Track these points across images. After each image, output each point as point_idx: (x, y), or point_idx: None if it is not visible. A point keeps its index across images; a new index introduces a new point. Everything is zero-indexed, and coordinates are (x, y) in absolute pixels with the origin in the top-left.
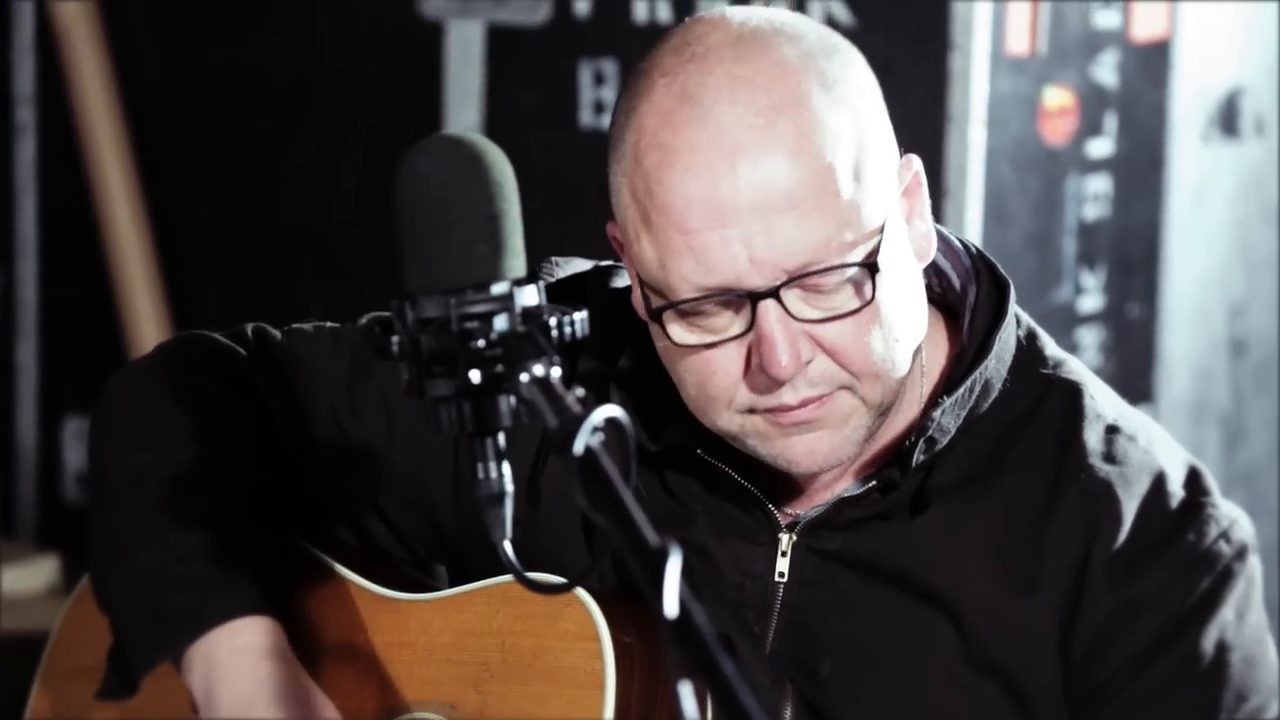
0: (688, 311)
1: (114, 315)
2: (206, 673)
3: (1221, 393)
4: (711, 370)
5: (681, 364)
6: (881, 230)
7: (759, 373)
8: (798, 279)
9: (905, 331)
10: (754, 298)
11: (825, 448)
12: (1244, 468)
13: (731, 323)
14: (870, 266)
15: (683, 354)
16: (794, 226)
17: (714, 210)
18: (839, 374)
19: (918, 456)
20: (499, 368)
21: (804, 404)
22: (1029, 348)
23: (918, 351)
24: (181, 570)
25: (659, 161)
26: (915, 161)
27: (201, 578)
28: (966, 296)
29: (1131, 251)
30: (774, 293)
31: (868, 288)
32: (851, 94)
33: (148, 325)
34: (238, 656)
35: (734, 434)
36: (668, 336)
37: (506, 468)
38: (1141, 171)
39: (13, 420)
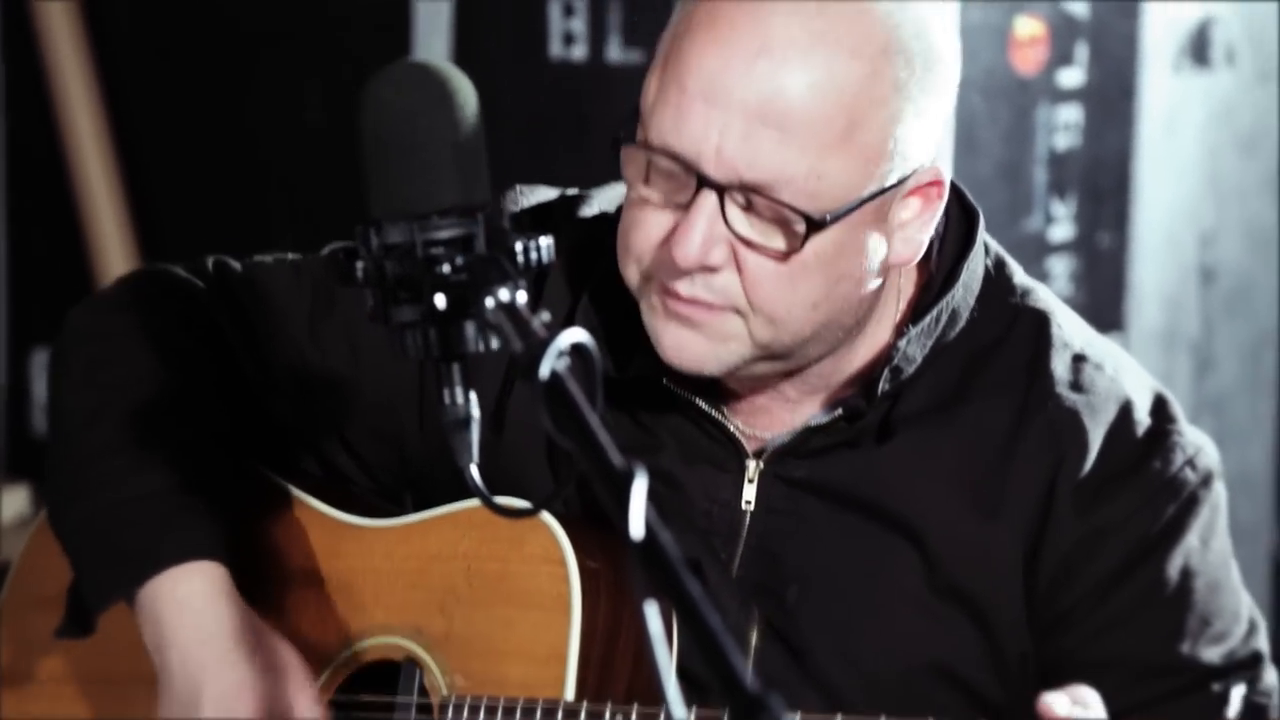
0: (653, 165)
1: (81, 247)
2: (153, 627)
3: (1191, 321)
4: (638, 224)
5: (627, 210)
6: (852, 206)
7: (668, 249)
8: (748, 191)
9: (826, 308)
10: (701, 182)
11: (693, 352)
12: (1213, 395)
13: (676, 193)
14: (814, 222)
15: (631, 202)
16: (772, 145)
17: (713, 87)
18: (739, 297)
19: (883, 385)
20: (464, 293)
21: (692, 301)
22: (997, 276)
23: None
24: (135, 510)
25: (702, 21)
26: (942, 175)
27: (155, 518)
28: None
29: (1102, 181)
30: (720, 189)
31: (799, 239)
32: (910, 82)
33: (115, 257)
34: (180, 610)
35: (634, 291)
36: (619, 161)
37: (472, 393)
38: (1112, 101)
39: None
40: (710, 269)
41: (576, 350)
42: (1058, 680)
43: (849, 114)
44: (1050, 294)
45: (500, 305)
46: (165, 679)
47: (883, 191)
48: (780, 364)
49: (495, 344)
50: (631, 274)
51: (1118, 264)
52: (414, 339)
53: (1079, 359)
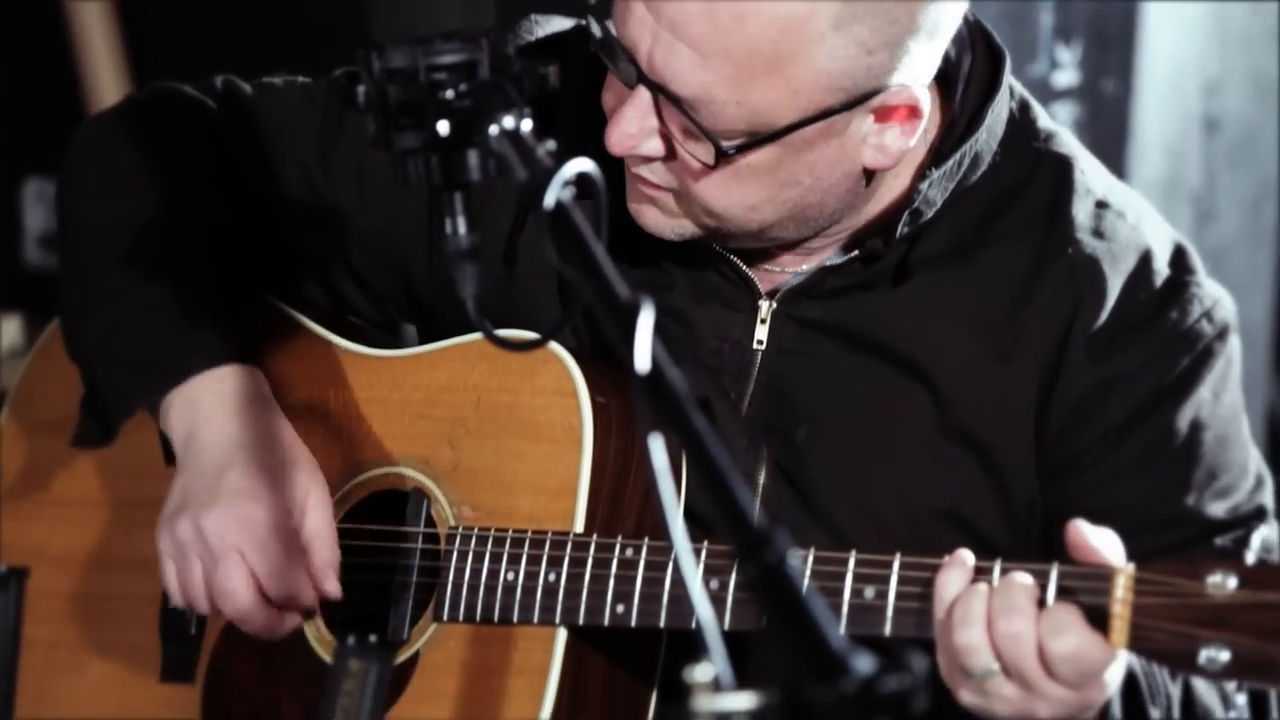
0: (619, 40)
1: (74, 75)
2: (188, 416)
3: (1193, 171)
4: (606, 88)
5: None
6: (775, 133)
7: (606, 133)
8: (672, 100)
9: (772, 210)
10: (639, 76)
11: (650, 219)
12: (1215, 246)
13: (626, 77)
14: (721, 151)
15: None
16: (692, 65)
17: None
18: (675, 184)
19: (902, 228)
20: (468, 119)
21: (637, 177)
22: (1021, 120)
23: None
24: (159, 317)
25: None
26: (918, 101)
27: (181, 325)
28: (960, 65)
29: (1108, 27)
30: (653, 87)
31: (714, 159)
32: (858, 16)
33: (108, 86)
34: (221, 399)
35: None
36: (595, 47)
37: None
38: None
39: None
40: (644, 158)
41: (583, 178)
42: (1063, 527)
43: (776, 47)
44: (1074, 139)
45: (504, 132)
46: (192, 459)
47: (821, 116)
48: (751, 240)
49: (498, 173)
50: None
51: (1121, 112)
52: (416, 166)
53: (1101, 205)
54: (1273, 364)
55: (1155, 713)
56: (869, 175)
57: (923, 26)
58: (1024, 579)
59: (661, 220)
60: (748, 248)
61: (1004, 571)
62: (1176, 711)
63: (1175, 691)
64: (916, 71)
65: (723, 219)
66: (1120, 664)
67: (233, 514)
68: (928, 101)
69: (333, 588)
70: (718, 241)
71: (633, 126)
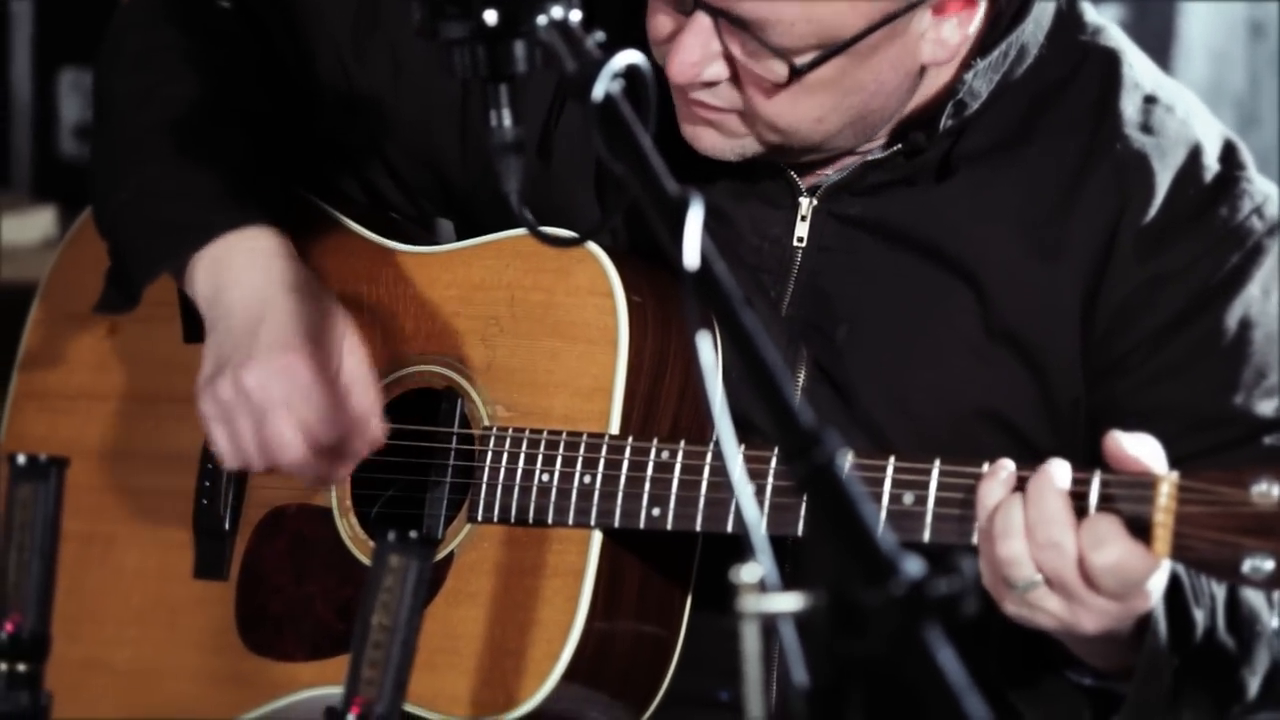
0: None
1: None
2: (215, 274)
3: (1238, 76)
4: (653, 22)
5: (649, 11)
6: (844, 44)
7: (667, 66)
8: (736, 23)
9: (837, 119)
10: (697, 3)
11: (709, 142)
12: (1258, 151)
13: (686, 6)
14: (795, 69)
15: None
16: None
17: None
18: (741, 105)
19: (945, 121)
20: (515, 9)
21: (697, 102)
22: (1068, 13)
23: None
24: (190, 182)
25: None
26: None
27: (211, 190)
28: None
29: None
30: (713, 11)
31: (785, 78)
32: None
33: None
34: (251, 256)
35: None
36: None
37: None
38: None
39: (8, 73)
40: (707, 84)
41: (631, 73)
42: (1108, 428)
43: None
44: (1121, 33)
45: (553, 23)
46: (222, 317)
47: (887, 21)
48: (816, 153)
49: (546, 64)
50: (657, 55)
51: (1166, 15)
52: (461, 56)
53: (1149, 100)
54: None
55: (1199, 614)
56: (922, 71)
57: None
58: (1059, 485)
59: (721, 142)
60: (803, 161)
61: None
62: (1221, 613)
63: (1220, 593)
64: None
65: (788, 134)
66: (1163, 572)
67: (272, 366)
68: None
69: (378, 429)
70: (777, 157)
71: (694, 54)
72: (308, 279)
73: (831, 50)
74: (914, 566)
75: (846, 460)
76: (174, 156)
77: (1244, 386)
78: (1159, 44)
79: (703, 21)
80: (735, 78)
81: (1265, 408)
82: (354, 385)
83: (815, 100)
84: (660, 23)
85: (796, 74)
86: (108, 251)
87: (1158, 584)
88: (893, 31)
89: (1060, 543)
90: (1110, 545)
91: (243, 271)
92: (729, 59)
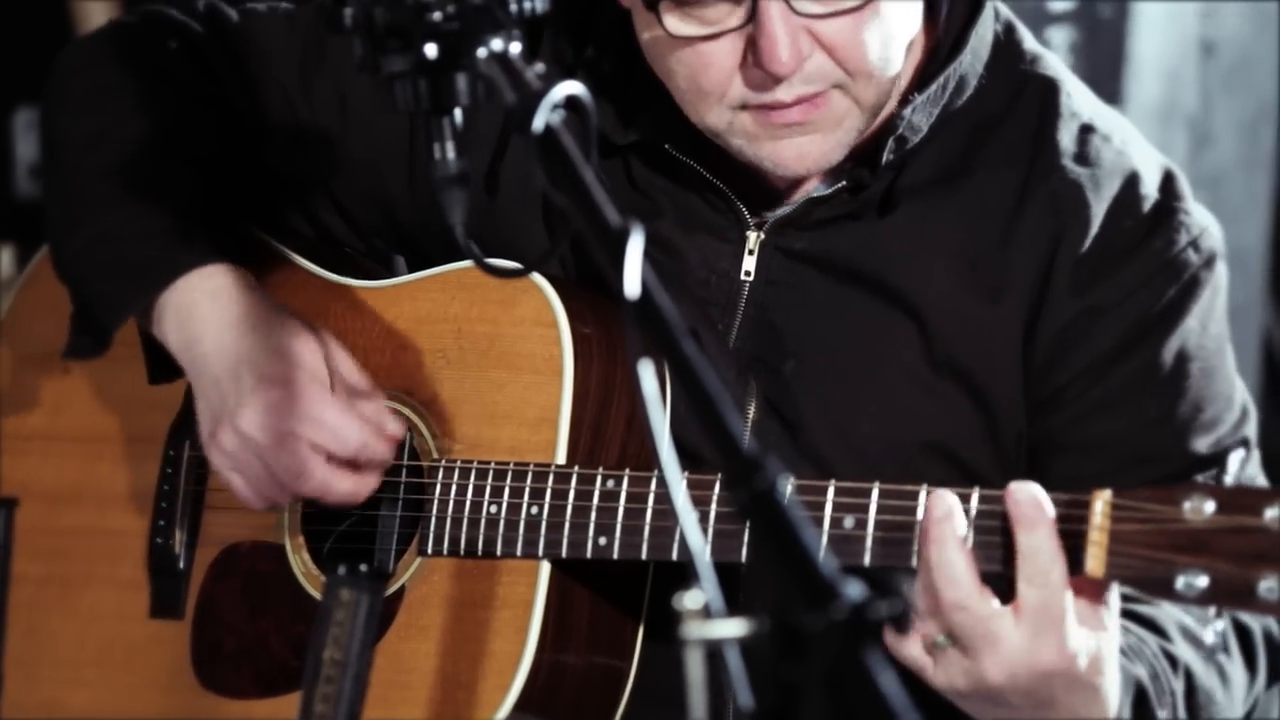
0: (686, 0)
1: (64, 4)
2: (183, 324)
3: (1190, 95)
4: (706, 63)
5: (673, 56)
6: None
7: (755, 68)
8: None
9: (902, 28)
10: None
11: (816, 151)
12: (1210, 171)
13: (730, 14)
14: None
15: (675, 46)
16: None
17: None
18: (834, 71)
19: (887, 156)
20: (456, 42)
21: (798, 102)
22: (1007, 42)
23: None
24: (147, 224)
25: None
26: None
27: (168, 231)
28: None
29: None
30: None
31: None
32: None
33: (97, 14)
34: (213, 300)
35: (721, 131)
36: (662, 26)
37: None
38: None
39: None
40: (804, 57)
41: (571, 103)
42: (1045, 460)
43: None
44: (1059, 62)
45: (493, 55)
46: (203, 371)
47: None
48: (875, 117)
49: (487, 97)
50: (715, 117)
51: (1117, 35)
52: (404, 90)
53: (1086, 130)
54: (1268, 289)
55: (1163, 714)
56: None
57: None
58: (955, 535)
59: (826, 145)
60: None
61: (981, 499)
62: (1181, 708)
63: (1179, 686)
64: None
65: (878, 77)
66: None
67: (264, 403)
68: None
69: (395, 426)
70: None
71: (785, 37)
72: (272, 308)
73: None
74: (854, 590)
75: (788, 485)
76: (128, 200)
77: (1180, 420)
78: (1110, 64)
79: (773, 8)
80: (817, 44)
81: (1201, 444)
82: (355, 391)
83: (887, 27)
84: (721, 56)
85: None
86: (70, 297)
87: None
88: None
89: (966, 604)
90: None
91: (209, 316)
92: (811, 34)
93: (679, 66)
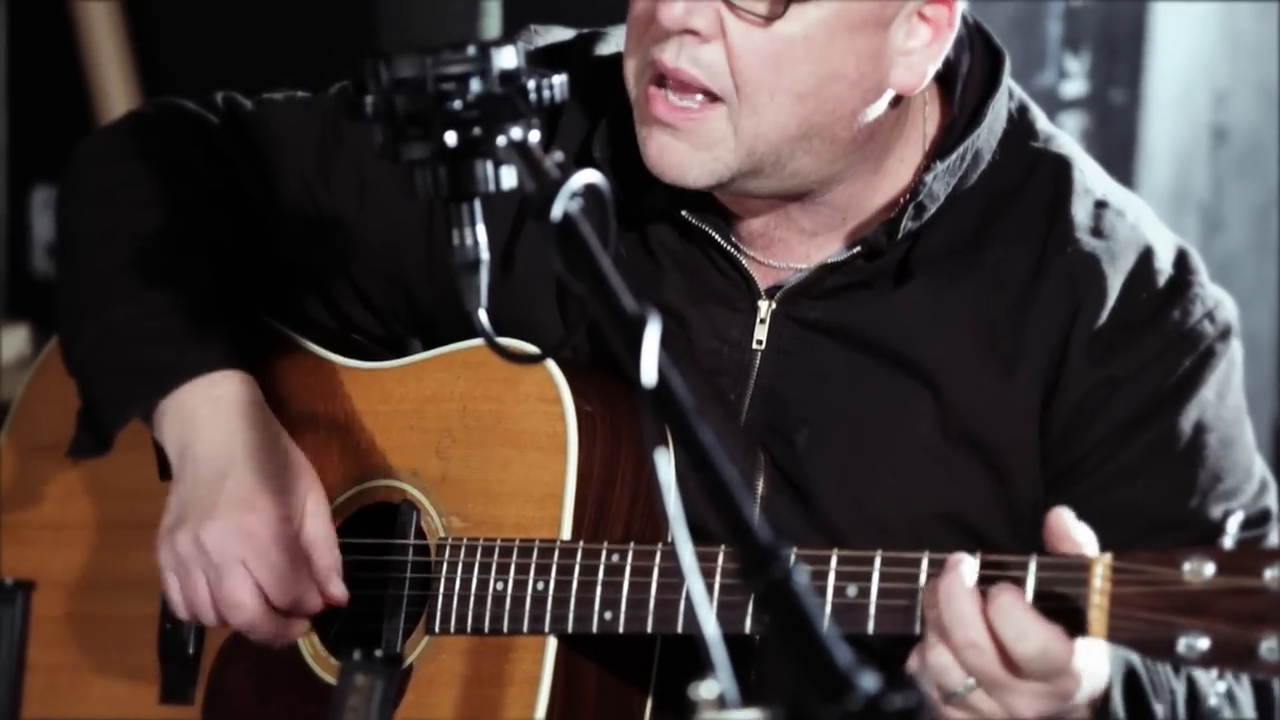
0: None
1: (83, 83)
2: (182, 426)
3: (1201, 181)
4: (636, 13)
5: (628, 15)
6: None
7: (655, 14)
8: None
9: (814, 105)
10: None
11: (676, 158)
12: (1222, 256)
13: None
14: None
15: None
16: None
17: None
18: (724, 75)
19: (906, 222)
20: (476, 130)
21: (679, 81)
22: (1020, 120)
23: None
24: (155, 325)
25: None
26: (956, 3)
27: (176, 332)
28: (959, 65)
29: (1117, 36)
30: None
31: (782, 4)
32: None
33: (117, 93)
34: (215, 407)
35: (631, 87)
36: None
37: (482, 234)
38: None
39: None
40: (693, 32)
41: (590, 190)
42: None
43: None
44: (1072, 141)
45: (513, 144)
46: (189, 470)
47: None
48: (774, 181)
49: (507, 184)
50: (631, 75)
51: (1129, 121)
52: (423, 177)
53: (1100, 205)
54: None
55: (1159, 708)
56: (880, 139)
57: None
58: (967, 584)
59: (689, 156)
60: (764, 197)
61: (983, 565)
62: (1182, 707)
63: (1180, 687)
64: None
65: (764, 115)
66: (1094, 655)
67: (233, 524)
68: (958, 16)
69: (339, 590)
70: (743, 185)
71: None
72: (273, 431)
73: None
74: (869, 682)
75: (804, 574)
76: (138, 298)
77: (1199, 490)
78: (1122, 150)
79: None
80: (720, 34)
81: (1219, 512)
82: (314, 546)
83: (798, 69)
84: (647, 8)
85: None
86: (78, 392)
87: (1082, 664)
88: (880, 11)
89: (977, 642)
90: (1032, 635)
91: (208, 423)
92: (718, 18)
93: (627, 21)
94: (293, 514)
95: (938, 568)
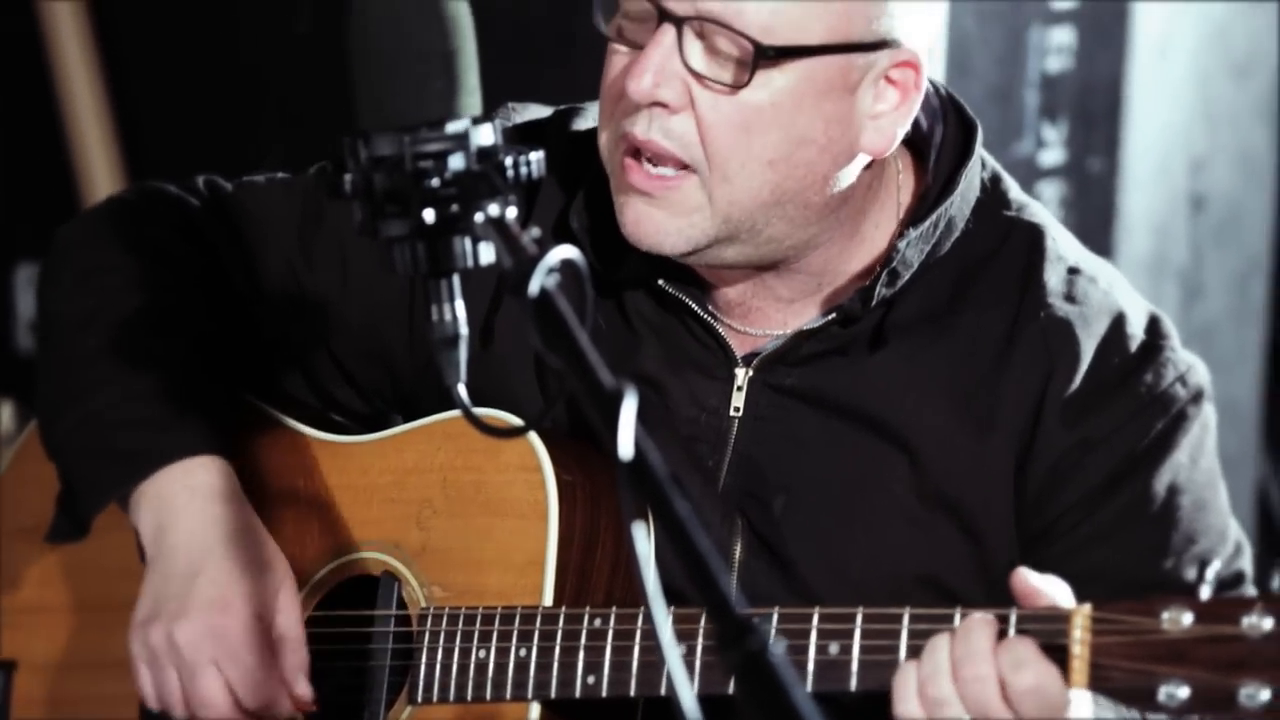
0: (625, 14)
1: (67, 161)
2: (158, 512)
3: (1180, 249)
4: (609, 73)
5: (604, 73)
6: (807, 48)
7: (626, 83)
8: (703, 20)
9: (785, 171)
10: (662, 16)
11: (652, 226)
12: (1201, 324)
13: (642, 37)
14: (761, 49)
15: (606, 59)
16: None
17: None
18: (695, 146)
19: (880, 289)
20: (454, 207)
21: (651, 153)
22: (993, 190)
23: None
24: (133, 410)
25: None
26: (919, 60)
27: (153, 418)
28: (933, 136)
29: (1093, 105)
30: (677, 21)
31: (748, 71)
32: None
33: (101, 172)
34: (191, 496)
35: (605, 160)
36: (598, 19)
37: (461, 310)
38: (1104, 24)
39: None
40: (663, 105)
41: (567, 266)
42: None
43: None
44: (1045, 210)
45: (490, 220)
46: (162, 561)
47: (848, 48)
48: (749, 249)
49: (485, 260)
50: (605, 137)
51: (1108, 190)
52: (402, 254)
53: (1073, 271)
54: (1261, 442)
55: None
56: (853, 204)
57: None
58: (982, 621)
59: (665, 224)
60: (739, 265)
61: (964, 617)
62: None
63: None
64: (915, 40)
65: (736, 184)
66: (1083, 706)
67: (206, 625)
68: (925, 78)
69: (303, 690)
70: (719, 254)
71: (655, 64)
72: (248, 523)
73: (792, 49)
74: None
75: (781, 648)
76: (115, 384)
77: (1173, 552)
78: (1101, 219)
79: (666, 38)
80: (690, 106)
81: (1193, 574)
82: (284, 643)
83: (767, 137)
84: (615, 64)
85: (761, 57)
86: (58, 476)
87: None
88: (846, 74)
89: (984, 675)
90: (1029, 667)
91: (183, 512)
92: (686, 85)
93: (603, 80)
94: (265, 611)
95: (919, 624)
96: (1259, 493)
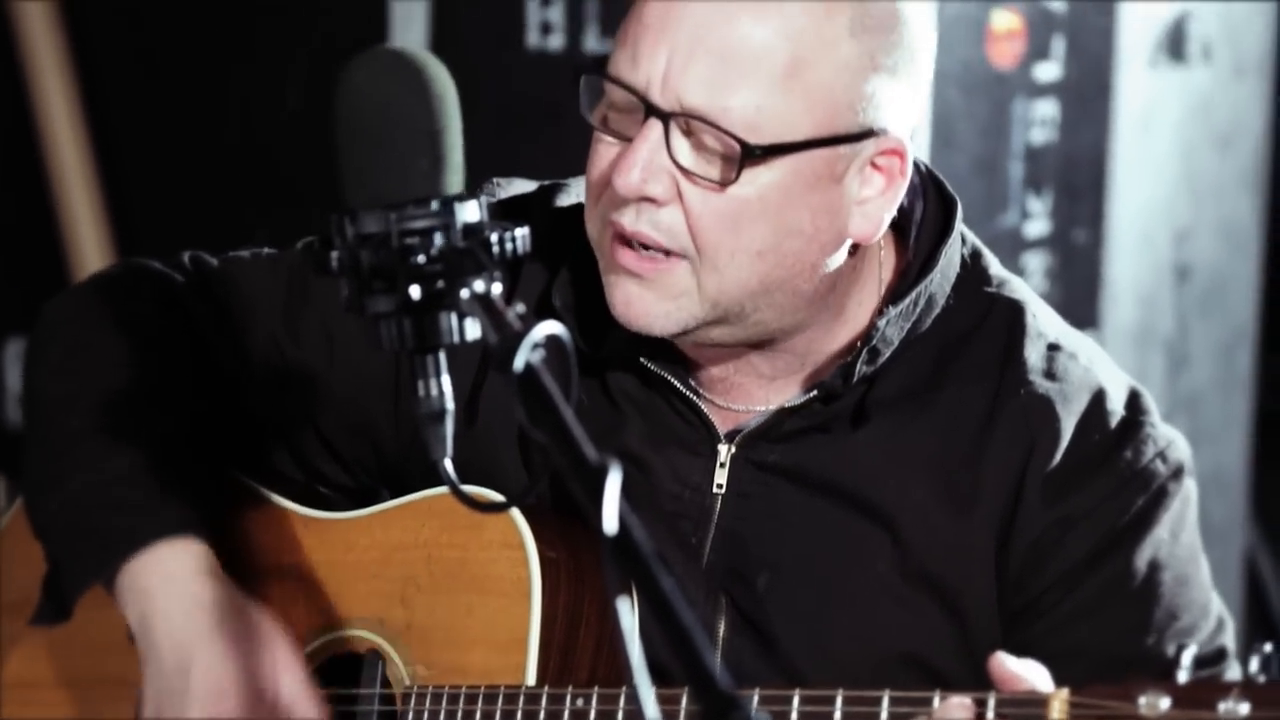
0: (611, 104)
1: (56, 236)
2: (139, 602)
3: (1166, 319)
4: (596, 162)
5: (589, 159)
6: (794, 144)
7: (614, 178)
8: (689, 117)
9: (774, 260)
10: (649, 111)
11: (643, 307)
12: (1187, 394)
13: (629, 129)
14: (748, 148)
15: (592, 146)
16: (712, 71)
17: (666, 18)
18: (683, 236)
19: (861, 366)
20: (440, 284)
21: (640, 242)
22: (973, 266)
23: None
24: (114, 492)
25: None
26: (904, 146)
27: (134, 500)
28: (913, 213)
29: (1078, 177)
30: (664, 116)
31: (735, 168)
32: (869, 37)
33: (90, 247)
34: (168, 582)
35: (594, 243)
36: (583, 105)
37: (447, 384)
38: (1089, 96)
39: None
40: (651, 200)
41: (552, 341)
42: None
43: (795, 50)
44: (1025, 286)
45: (476, 296)
46: (152, 656)
47: (834, 141)
48: (738, 330)
49: (471, 336)
50: (592, 222)
51: (1093, 261)
52: (389, 330)
53: (1053, 348)
54: (1249, 511)
55: None
56: (840, 287)
57: (899, 65)
58: (960, 705)
59: (654, 306)
60: (726, 345)
61: (943, 699)
62: None
63: None
64: (900, 126)
65: (725, 273)
66: None
67: (209, 717)
68: (910, 163)
69: None
70: (708, 332)
71: (643, 159)
72: (232, 602)
73: (780, 147)
74: None
75: (754, 699)
76: (97, 465)
77: (1155, 629)
78: (1086, 290)
79: (653, 133)
80: (678, 198)
81: (1175, 650)
82: (295, 706)
83: (755, 228)
84: (601, 153)
85: (747, 154)
86: (45, 557)
87: None
88: (832, 165)
89: None
90: None
91: (163, 600)
92: (673, 179)
93: (589, 166)
94: (265, 685)
95: (899, 706)
96: (1247, 561)
